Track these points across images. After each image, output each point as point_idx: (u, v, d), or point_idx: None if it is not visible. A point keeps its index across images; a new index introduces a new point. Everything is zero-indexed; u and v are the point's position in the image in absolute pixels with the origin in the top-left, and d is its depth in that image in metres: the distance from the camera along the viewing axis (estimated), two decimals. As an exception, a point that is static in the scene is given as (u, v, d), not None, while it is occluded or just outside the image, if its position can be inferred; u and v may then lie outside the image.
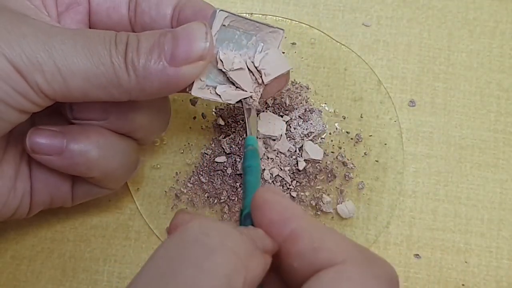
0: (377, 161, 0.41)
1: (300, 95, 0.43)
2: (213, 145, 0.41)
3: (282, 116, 0.41)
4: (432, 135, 0.43)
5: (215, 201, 0.40)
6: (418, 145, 0.43)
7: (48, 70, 0.27)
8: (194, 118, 0.42)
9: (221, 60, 0.34)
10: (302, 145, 0.41)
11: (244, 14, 0.44)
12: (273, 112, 0.41)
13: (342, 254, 0.23)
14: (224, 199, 0.40)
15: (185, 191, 0.40)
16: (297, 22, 0.45)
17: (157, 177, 0.41)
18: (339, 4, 0.46)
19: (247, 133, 0.36)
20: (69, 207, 0.36)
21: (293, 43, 0.44)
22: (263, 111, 0.41)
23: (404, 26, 0.46)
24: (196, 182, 0.40)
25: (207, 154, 0.41)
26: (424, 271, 0.40)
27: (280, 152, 0.40)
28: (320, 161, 0.41)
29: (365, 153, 0.42)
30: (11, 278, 0.38)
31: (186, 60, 0.29)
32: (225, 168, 0.40)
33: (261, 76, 0.35)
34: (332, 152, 0.41)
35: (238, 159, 0.40)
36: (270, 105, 0.42)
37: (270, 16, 0.45)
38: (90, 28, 0.34)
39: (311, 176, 0.40)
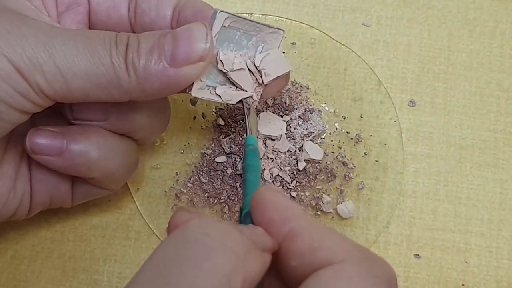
0: (377, 161, 0.41)
1: (300, 95, 0.43)
2: (213, 145, 0.41)
3: (282, 116, 0.41)
4: (432, 135, 0.43)
5: (215, 201, 0.40)
6: (418, 145, 0.43)
7: (49, 71, 0.27)
8: (194, 118, 0.42)
9: (221, 61, 0.34)
10: (302, 145, 0.41)
11: (244, 14, 0.44)
12: (273, 112, 0.41)
13: (341, 253, 0.23)
14: (224, 199, 0.40)
15: (185, 191, 0.40)
16: (297, 22, 0.45)
17: (157, 177, 0.41)
18: (339, 4, 0.46)
19: (247, 132, 0.36)
20: (69, 207, 0.36)
21: (293, 43, 0.44)
22: (263, 111, 0.41)
23: (404, 26, 0.46)
24: (196, 182, 0.40)
25: (207, 154, 0.41)
26: (424, 271, 0.40)
27: (280, 152, 0.40)
28: (320, 161, 0.41)
29: (365, 153, 0.42)
30: (11, 278, 0.38)
31: (186, 61, 0.29)
32: (225, 168, 0.40)
33: (261, 76, 0.35)
34: (332, 152, 0.41)
35: (238, 159, 0.40)
36: (270, 105, 0.42)
37: (270, 16, 0.45)
38: (90, 28, 0.34)
39: (311, 176, 0.40)
